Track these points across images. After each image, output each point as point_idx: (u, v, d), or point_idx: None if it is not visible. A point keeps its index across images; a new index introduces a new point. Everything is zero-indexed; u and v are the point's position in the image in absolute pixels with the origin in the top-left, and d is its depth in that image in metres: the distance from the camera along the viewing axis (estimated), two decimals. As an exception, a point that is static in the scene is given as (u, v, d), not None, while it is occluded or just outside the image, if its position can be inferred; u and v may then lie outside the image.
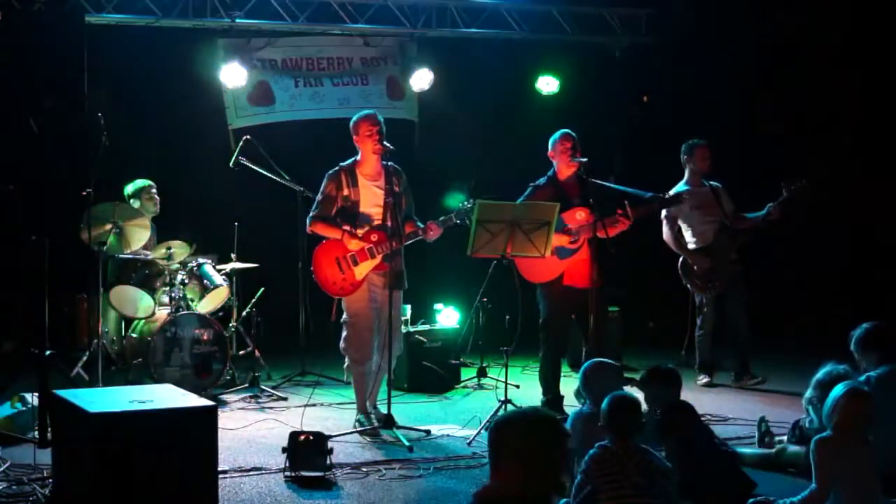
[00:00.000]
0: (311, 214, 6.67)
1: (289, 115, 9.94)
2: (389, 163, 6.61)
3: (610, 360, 5.60)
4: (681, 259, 8.24)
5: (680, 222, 8.27)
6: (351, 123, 6.67)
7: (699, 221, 8.20)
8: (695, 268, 8.16)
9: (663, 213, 8.21)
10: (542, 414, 3.30)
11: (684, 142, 8.36)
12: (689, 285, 8.25)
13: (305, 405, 7.05)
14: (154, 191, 8.11)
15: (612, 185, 7.06)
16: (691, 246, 8.22)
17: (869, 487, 4.49)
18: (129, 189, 8.10)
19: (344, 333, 6.66)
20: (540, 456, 3.11)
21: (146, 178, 8.15)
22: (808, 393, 5.60)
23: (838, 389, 4.62)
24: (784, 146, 10.19)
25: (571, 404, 7.14)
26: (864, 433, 4.55)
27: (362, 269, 6.56)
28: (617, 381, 5.22)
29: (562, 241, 6.95)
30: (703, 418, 5.92)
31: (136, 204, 7.97)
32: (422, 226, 6.62)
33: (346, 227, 6.52)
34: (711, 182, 8.30)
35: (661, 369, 5.38)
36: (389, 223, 6.54)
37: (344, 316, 6.66)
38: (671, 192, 8.09)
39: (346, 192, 6.58)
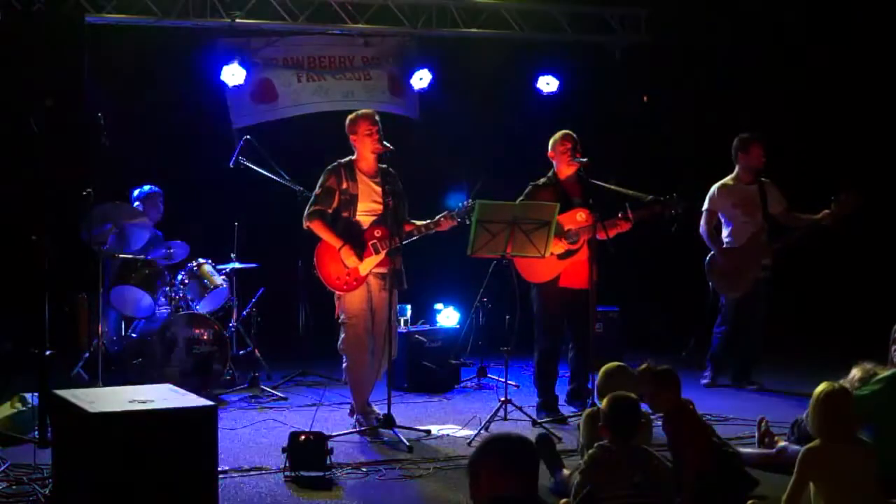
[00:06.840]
0: (310, 209, 6.62)
1: (293, 110, 9.85)
2: (384, 165, 6.64)
3: (629, 367, 5.48)
4: (709, 255, 8.12)
5: (721, 217, 8.11)
6: (348, 120, 6.66)
7: (736, 220, 8.03)
8: (720, 266, 8.04)
9: (704, 205, 8.07)
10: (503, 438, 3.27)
11: (735, 136, 8.06)
12: (710, 283, 8.15)
13: (317, 405, 7.03)
14: (160, 199, 8.14)
15: (613, 187, 7.05)
16: (725, 244, 8.08)
17: (865, 489, 4.33)
18: (136, 192, 8.13)
19: (342, 335, 6.66)
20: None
21: (154, 186, 8.20)
22: None
23: (815, 393, 4.45)
24: (787, 146, 10.17)
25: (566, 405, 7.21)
26: (850, 433, 4.40)
27: (366, 265, 6.55)
28: (631, 389, 5.09)
29: (560, 248, 6.93)
30: (703, 418, 5.87)
31: (139, 207, 8.00)
32: (418, 223, 6.64)
33: (347, 244, 6.49)
34: (763, 178, 8.06)
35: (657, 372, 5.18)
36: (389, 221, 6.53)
37: (342, 317, 6.66)
38: (718, 184, 8.04)
39: (345, 185, 6.58)
